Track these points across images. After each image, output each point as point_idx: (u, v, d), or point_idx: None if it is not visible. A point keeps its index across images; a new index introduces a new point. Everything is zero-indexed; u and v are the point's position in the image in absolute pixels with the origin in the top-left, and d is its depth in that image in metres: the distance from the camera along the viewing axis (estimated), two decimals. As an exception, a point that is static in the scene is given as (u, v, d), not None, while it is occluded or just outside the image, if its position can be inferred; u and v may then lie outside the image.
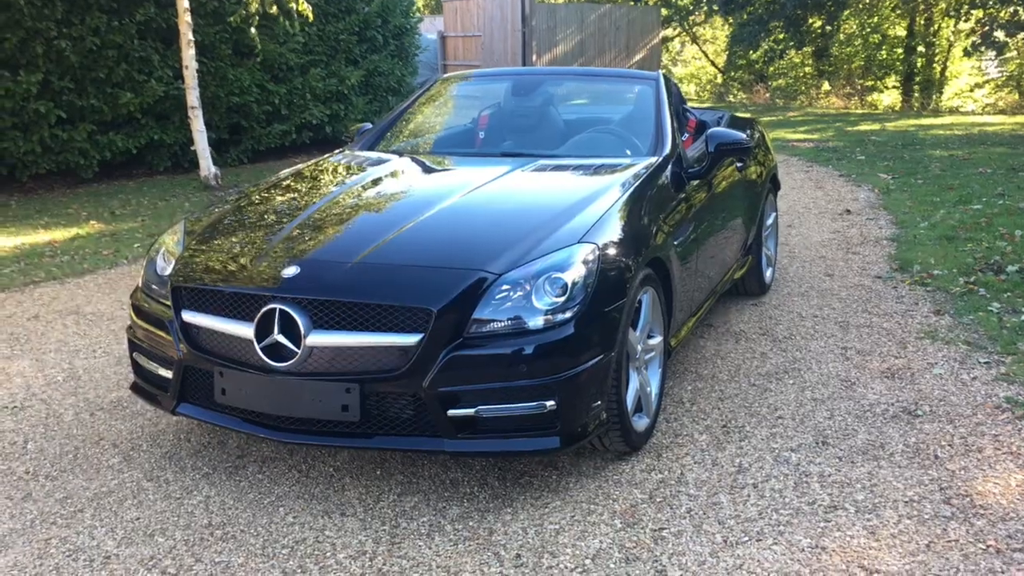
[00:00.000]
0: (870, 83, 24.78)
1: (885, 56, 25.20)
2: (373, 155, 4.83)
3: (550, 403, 3.16)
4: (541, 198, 4.05)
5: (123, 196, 10.06)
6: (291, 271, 3.29)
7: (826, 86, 25.01)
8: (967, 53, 21.34)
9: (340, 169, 4.69)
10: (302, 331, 3.16)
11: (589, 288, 3.27)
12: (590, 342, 3.25)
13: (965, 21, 20.54)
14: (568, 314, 3.21)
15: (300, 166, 4.79)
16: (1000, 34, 17.17)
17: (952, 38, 24.48)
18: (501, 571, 2.92)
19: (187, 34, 10.07)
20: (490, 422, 3.18)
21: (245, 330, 3.26)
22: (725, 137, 4.59)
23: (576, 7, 23.48)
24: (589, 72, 7.54)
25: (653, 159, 4.34)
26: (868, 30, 24.95)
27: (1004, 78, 23.88)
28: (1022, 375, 4.40)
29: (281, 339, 3.18)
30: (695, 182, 4.48)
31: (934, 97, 23.76)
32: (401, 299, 3.17)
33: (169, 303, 3.53)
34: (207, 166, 10.47)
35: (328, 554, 3.05)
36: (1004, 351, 4.74)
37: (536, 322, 3.19)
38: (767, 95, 24.79)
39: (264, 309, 3.22)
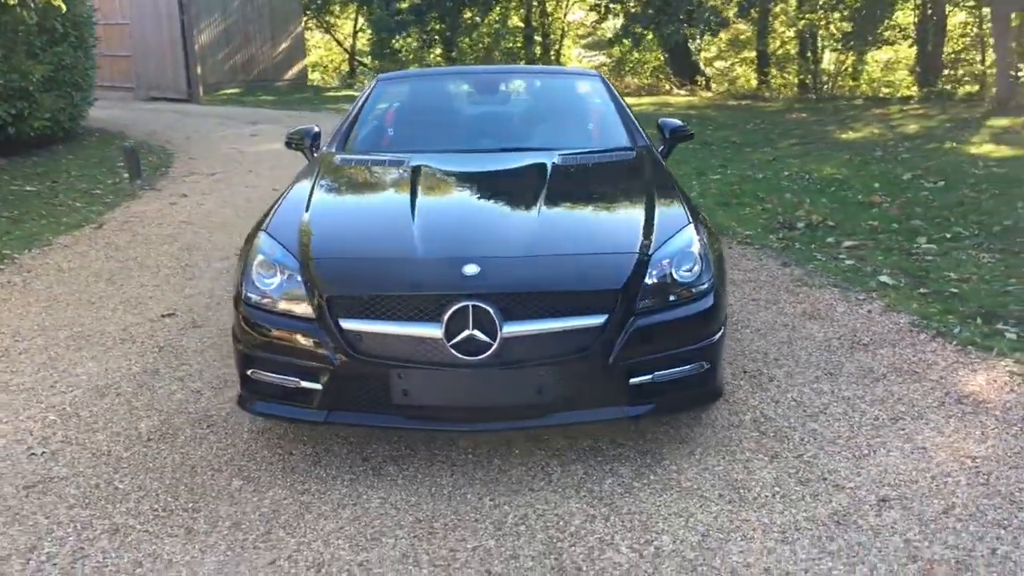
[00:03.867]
0: (509, 68, 26.74)
1: (508, 45, 27.29)
2: (383, 156, 4.87)
3: (706, 364, 3.65)
4: (613, 188, 4.43)
5: None
6: (472, 269, 3.42)
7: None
8: (611, 43, 23.90)
9: (385, 170, 4.71)
10: (497, 324, 3.34)
11: (709, 261, 3.78)
12: (721, 308, 3.77)
13: (605, 14, 22.87)
14: (706, 285, 3.69)
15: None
16: (638, 27, 19.54)
17: (565, 27, 27.20)
18: (721, 508, 3.36)
19: None
20: (662, 386, 3.59)
21: (431, 331, 3.35)
22: (674, 125, 5.29)
23: (219, -6, 22.73)
24: (540, 70, 7.88)
25: (645, 145, 4.89)
26: (493, 20, 26.84)
27: (612, 63, 26.97)
28: (900, 304, 5.56)
29: (477, 334, 3.34)
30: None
31: (555, 81, 26.14)
32: (588, 284, 3.47)
33: (312, 316, 3.48)
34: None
35: (562, 524, 3.27)
36: (864, 289, 5.90)
37: (686, 293, 3.64)
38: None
39: (454, 307, 3.34)
